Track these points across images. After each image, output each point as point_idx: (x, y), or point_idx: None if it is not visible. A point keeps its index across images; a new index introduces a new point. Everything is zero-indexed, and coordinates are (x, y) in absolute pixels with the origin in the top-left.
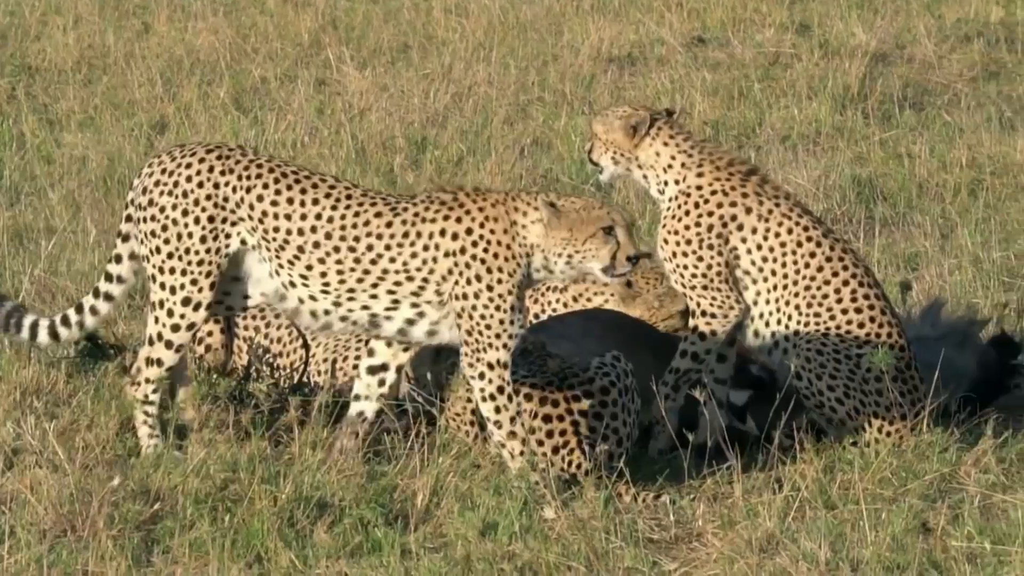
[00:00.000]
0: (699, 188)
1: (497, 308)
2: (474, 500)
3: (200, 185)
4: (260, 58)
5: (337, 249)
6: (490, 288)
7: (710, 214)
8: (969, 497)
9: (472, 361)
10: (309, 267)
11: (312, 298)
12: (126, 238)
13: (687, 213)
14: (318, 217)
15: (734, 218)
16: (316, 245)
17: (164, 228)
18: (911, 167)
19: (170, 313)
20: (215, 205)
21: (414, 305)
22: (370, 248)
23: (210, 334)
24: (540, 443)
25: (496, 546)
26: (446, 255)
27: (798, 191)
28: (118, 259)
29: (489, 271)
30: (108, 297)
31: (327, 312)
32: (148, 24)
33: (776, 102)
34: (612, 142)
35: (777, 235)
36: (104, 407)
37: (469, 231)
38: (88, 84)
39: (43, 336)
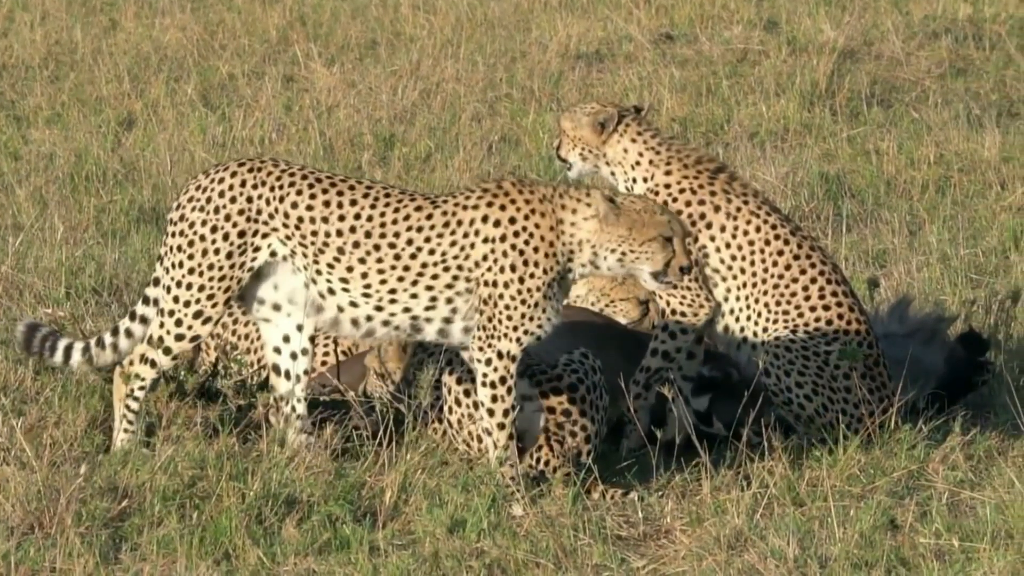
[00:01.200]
0: (667, 186)
1: (523, 302)
2: (442, 497)
3: (233, 200)
4: (228, 55)
5: (377, 247)
6: (521, 280)
7: (679, 212)
8: (937, 494)
9: (483, 346)
10: (350, 268)
11: (353, 304)
12: (162, 260)
13: None
14: (357, 217)
15: (702, 216)
16: (356, 245)
17: (191, 243)
18: (879, 164)
19: (178, 323)
20: (247, 220)
21: (448, 301)
22: (410, 242)
23: None
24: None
25: (464, 543)
26: (484, 241)
27: (766, 188)
28: (156, 282)
29: (525, 263)
30: (144, 320)
31: (369, 318)
32: (115, 20)
33: (744, 99)
34: (580, 139)
35: (745, 233)
36: (71, 404)
37: (512, 220)
38: (55, 80)
39: (77, 358)
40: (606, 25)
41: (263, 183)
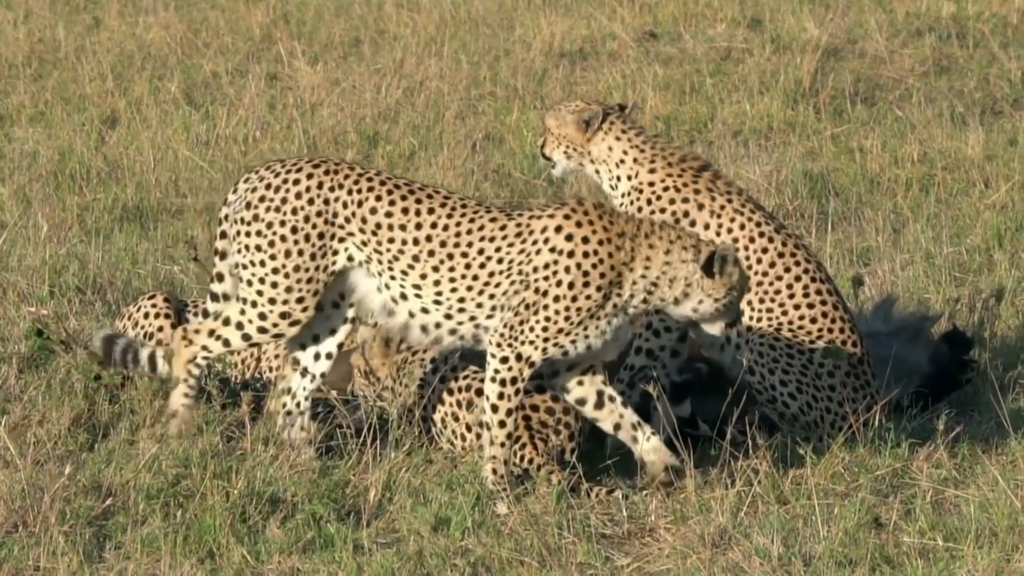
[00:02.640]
0: (651, 184)
1: (566, 319)
2: (427, 495)
3: (311, 202)
4: (211, 53)
5: (451, 256)
6: (574, 299)
7: (662, 210)
8: (921, 492)
9: (504, 343)
10: (423, 276)
11: (424, 311)
12: (223, 255)
13: (639, 209)
14: (433, 226)
15: (686, 214)
16: (431, 254)
17: (271, 244)
18: (863, 162)
19: (263, 317)
20: (325, 222)
21: (503, 310)
22: (481, 252)
23: (160, 329)
24: None
25: (449, 541)
26: (551, 250)
27: (750, 186)
28: (219, 278)
29: (586, 285)
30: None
31: (438, 325)
32: (99, 19)
33: (728, 97)
34: (564, 137)
35: (729, 231)
36: (55, 403)
37: (586, 239)
38: (38, 79)
39: (163, 366)
40: (590, 23)
41: (340, 186)
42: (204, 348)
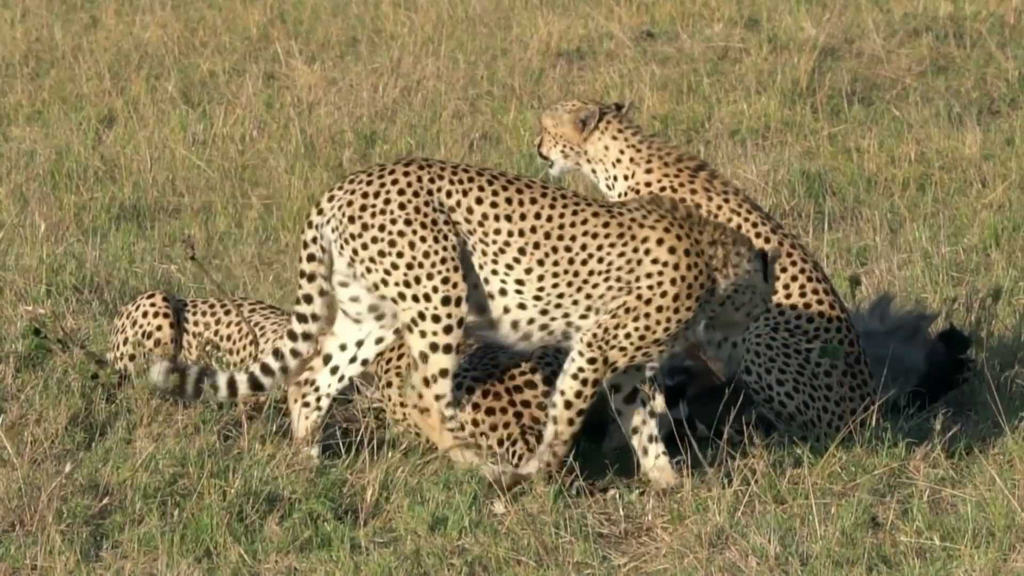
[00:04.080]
0: (648, 184)
1: (664, 330)
2: (424, 495)
3: (416, 194)
4: (208, 52)
5: (555, 249)
6: (676, 311)
7: None
8: (918, 492)
9: (595, 343)
10: (528, 271)
11: (521, 306)
12: (311, 278)
13: None
14: (537, 216)
15: None
16: (536, 246)
17: (392, 244)
18: (860, 162)
19: (435, 319)
20: (434, 209)
21: (596, 312)
22: (584, 248)
23: (159, 328)
24: (484, 436)
25: (446, 540)
26: (654, 261)
27: (747, 186)
28: (307, 299)
29: (688, 297)
30: (307, 337)
31: (531, 321)
32: (96, 18)
33: (725, 96)
34: (561, 136)
35: None
36: (52, 401)
37: (688, 252)
38: (36, 78)
39: (244, 389)
40: (587, 23)
41: (440, 177)
42: (438, 398)
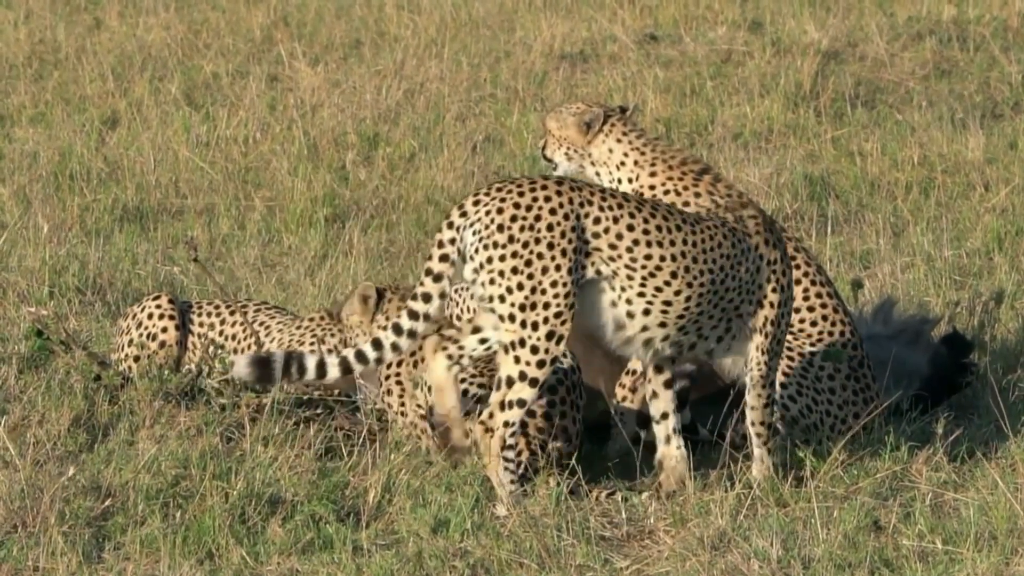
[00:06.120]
0: (652, 187)
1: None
2: (426, 497)
3: (566, 217)
4: (212, 54)
5: (702, 272)
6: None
7: None
8: (920, 495)
9: (765, 363)
10: (678, 292)
11: (662, 325)
12: (438, 278)
13: None
14: (685, 242)
15: None
16: (687, 270)
17: (528, 263)
18: (863, 165)
19: (535, 350)
20: (578, 237)
21: (728, 326)
22: (722, 269)
23: (164, 330)
24: None
25: (448, 543)
26: (769, 263)
27: (750, 189)
28: (426, 298)
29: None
30: (412, 334)
31: (665, 338)
32: (99, 19)
33: (728, 100)
34: (565, 138)
35: None
36: (55, 403)
37: (783, 249)
38: (39, 79)
39: (335, 372)
40: (590, 25)
41: (589, 202)
42: (506, 425)
